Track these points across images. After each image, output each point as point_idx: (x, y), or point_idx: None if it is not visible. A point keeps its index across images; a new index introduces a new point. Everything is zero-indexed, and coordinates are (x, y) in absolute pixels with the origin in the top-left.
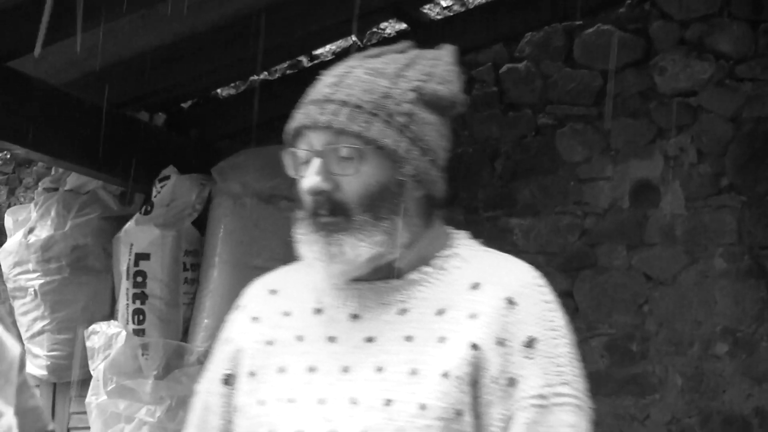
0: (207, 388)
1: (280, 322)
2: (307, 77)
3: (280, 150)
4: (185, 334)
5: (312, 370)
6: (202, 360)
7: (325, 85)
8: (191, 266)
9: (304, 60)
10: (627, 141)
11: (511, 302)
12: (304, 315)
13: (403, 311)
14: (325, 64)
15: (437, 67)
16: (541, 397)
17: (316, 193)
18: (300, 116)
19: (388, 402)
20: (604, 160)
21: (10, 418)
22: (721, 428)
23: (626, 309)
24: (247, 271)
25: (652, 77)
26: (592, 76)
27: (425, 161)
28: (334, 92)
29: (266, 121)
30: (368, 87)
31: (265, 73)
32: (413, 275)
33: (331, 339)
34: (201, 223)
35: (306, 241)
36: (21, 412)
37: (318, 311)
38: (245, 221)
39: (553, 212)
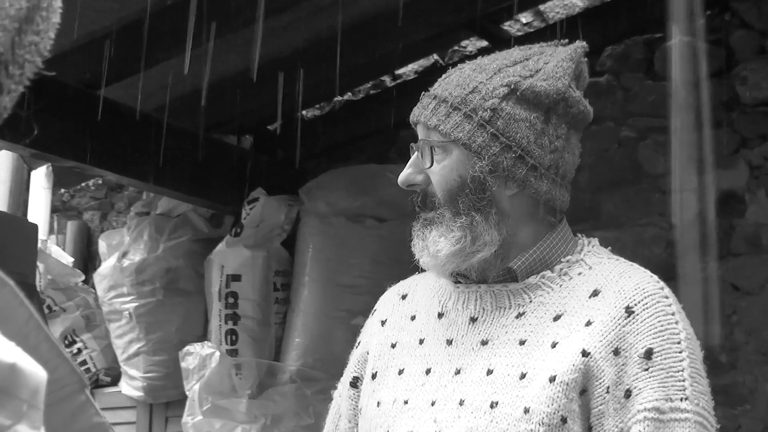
0: (340, 392)
1: (405, 326)
2: (390, 96)
3: (366, 169)
4: (277, 353)
5: (428, 372)
6: (295, 379)
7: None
8: (281, 286)
9: (387, 80)
10: (711, 151)
11: (630, 312)
12: (429, 318)
13: (520, 315)
14: (408, 84)
15: (549, 63)
16: (657, 410)
17: (407, 185)
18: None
19: (494, 404)
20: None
21: None
22: None
23: (714, 319)
24: (337, 289)
25: (734, 87)
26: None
27: (509, 158)
28: (435, 87)
29: (351, 140)
30: (462, 82)
31: (349, 93)
32: (533, 279)
33: (449, 342)
34: (290, 244)
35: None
36: (86, 429)
37: (441, 315)
38: (333, 240)
39: (638, 224)
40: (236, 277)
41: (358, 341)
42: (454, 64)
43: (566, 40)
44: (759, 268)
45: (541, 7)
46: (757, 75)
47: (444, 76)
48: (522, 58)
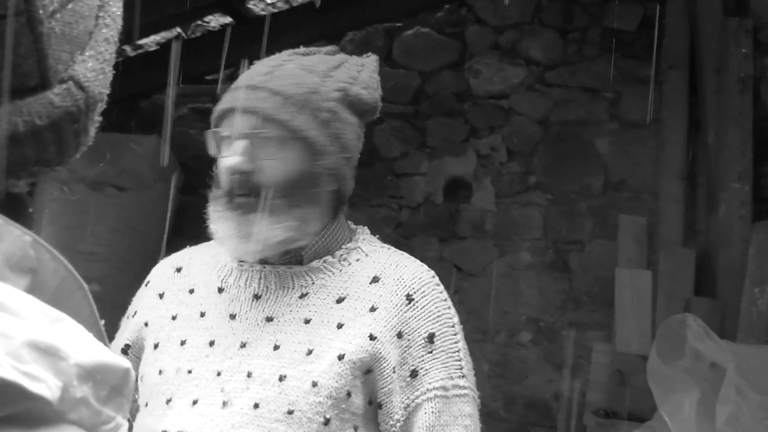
0: None
1: (184, 299)
2: (131, 66)
3: (108, 137)
4: None
5: (212, 344)
6: None
7: (256, 74)
8: None
9: (128, 49)
10: (442, 139)
11: (410, 299)
12: (208, 293)
13: (303, 296)
14: (149, 54)
15: (363, 73)
16: (443, 388)
17: (236, 172)
18: (229, 99)
19: (282, 378)
20: (420, 156)
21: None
22: (524, 411)
23: None
24: (73, 255)
25: (467, 79)
26: (410, 75)
27: (341, 158)
28: (266, 81)
29: None
30: (298, 81)
31: None
32: (316, 263)
33: (232, 316)
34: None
35: (220, 218)
36: None
37: (221, 290)
38: (71, 207)
39: (370, 205)
40: None
41: (133, 311)
42: (197, 38)
43: (350, 48)
44: (482, 252)
45: None
46: (490, 69)
47: (265, 70)
48: (337, 63)
